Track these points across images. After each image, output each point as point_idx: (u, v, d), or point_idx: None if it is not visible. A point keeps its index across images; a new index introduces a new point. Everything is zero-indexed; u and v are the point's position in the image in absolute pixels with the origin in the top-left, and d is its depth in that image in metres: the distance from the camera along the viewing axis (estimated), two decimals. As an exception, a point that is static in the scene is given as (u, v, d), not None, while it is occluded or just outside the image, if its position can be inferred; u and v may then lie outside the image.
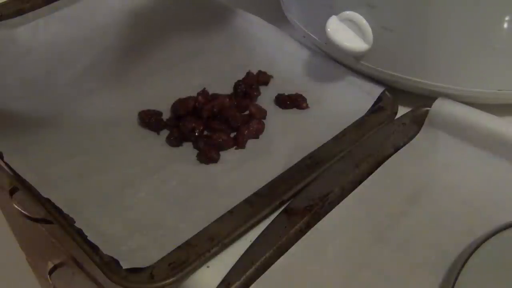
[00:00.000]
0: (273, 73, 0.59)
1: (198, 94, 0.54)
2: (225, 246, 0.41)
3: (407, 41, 0.50)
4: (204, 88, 0.55)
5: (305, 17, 0.58)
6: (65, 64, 0.61)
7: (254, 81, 0.57)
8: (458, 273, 0.37)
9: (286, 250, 0.41)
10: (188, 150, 0.50)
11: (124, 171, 0.48)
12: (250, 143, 0.51)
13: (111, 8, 0.66)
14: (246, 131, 0.51)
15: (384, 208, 0.45)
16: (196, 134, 0.51)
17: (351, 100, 0.55)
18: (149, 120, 0.52)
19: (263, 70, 0.59)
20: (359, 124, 0.52)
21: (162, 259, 0.40)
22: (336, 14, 0.52)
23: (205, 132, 0.52)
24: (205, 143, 0.50)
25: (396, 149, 0.50)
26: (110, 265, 0.40)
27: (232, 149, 0.50)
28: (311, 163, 0.48)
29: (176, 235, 0.42)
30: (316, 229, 0.42)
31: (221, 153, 0.49)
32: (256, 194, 0.45)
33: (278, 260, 0.40)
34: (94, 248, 0.40)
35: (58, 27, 0.62)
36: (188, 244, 0.41)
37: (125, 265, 0.39)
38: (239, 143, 0.50)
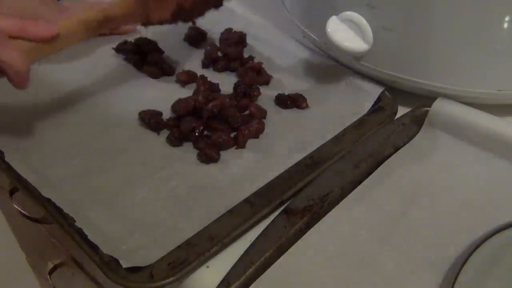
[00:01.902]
0: (273, 73, 0.59)
1: (196, 92, 0.54)
2: (225, 245, 0.41)
3: (407, 41, 0.50)
4: (203, 75, 0.55)
5: (305, 17, 0.58)
6: (64, 65, 0.61)
7: (254, 81, 0.57)
8: (458, 273, 0.37)
9: (286, 250, 0.41)
10: (188, 150, 0.50)
11: (124, 171, 0.48)
12: (250, 143, 0.51)
13: None
14: (246, 131, 0.51)
15: (384, 208, 0.45)
16: (196, 134, 0.51)
17: (351, 100, 0.55)
18: (149, 120, 0.52)
19: (263, 70, 0.59)
20: (359, 124, 0.52)
21: (162, 258, 0.40)
22: (336, 14, 0.52)
23: (205, 132, 0.52)
24: (205, 143, 0.50)
25: (396, 149, 0.50)
26: (110, 264, 0.40)
27: (232, 149, 0.50)
28: (311, 163, 0.48)
29: (176, 235, 0.42)
30: (316, 229, 0.42)
31: (221, 153, 0.49)
32: (256, 194, 0.45)
33: (278, 260, 0.40)
34: (94, 247, 0.40)
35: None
36: (188, 243, 0.41)
37: (125, 264, 0.39)
38: (239, 143, 0.50)
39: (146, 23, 0.53)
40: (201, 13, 0.57)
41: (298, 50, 0.61)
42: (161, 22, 0.54)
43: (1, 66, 0.43)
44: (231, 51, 0.60)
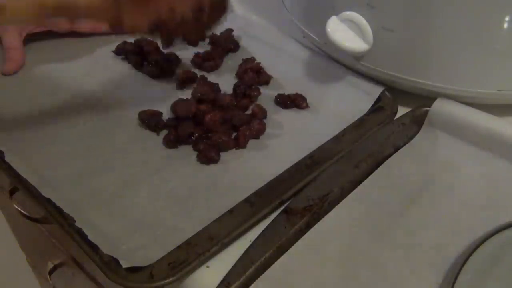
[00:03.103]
0: (273, 73, 0.59)
1: (196, 92, 0.54)
2: (225, 245, 0.41)
3: (407, 41, 0.50)
4: (203, 75, 0.56)
5: (305, 17, 0.58)
6: (64, 65, 0.61)
7: (254, 81, 0.57)
8: (458, 273, 0.37)
9: (286, 250, 0.41)
10: (188, 150, 0.50)
11: (124, 171, 0.48)
12: (250, 143, 0.51)
13: None
14: (248, 132, 0.51)
15: (384, 208, 0.45)
16: (193, 139, 0.50)
17: (351, 100, 0.55)
18: (149, 120, 0.52)
19: (263, 70, 0.59)
20: (359, 124, 0.52)
21: (162, 258, 0.40)
22: (336, 14, 0.52)
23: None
24: (205, 144, 0.49)
25: (396, 149, 0.50)
26: (110, 264, 0.40)
27: (233, 150, 0.50)
28: (311, 163, 0.48)
29: (175, 235, 0.42)
30: (316, 229, 0.42)
31: (221, 153, 0.49)
32: (256, 194, 0.45)
33: (278, 260, 0.40)
34: (94, 247, 0.40)
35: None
36: (187, 243, 0.41)
37: (125, 264, 0.39)
38: (241, 144, 0.50)
39: (116, 27, 0.46)
40: (185, 36, 0.50)
41: (298, 50, 0.61)
42: (134, 31, 0.47)
43: None
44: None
